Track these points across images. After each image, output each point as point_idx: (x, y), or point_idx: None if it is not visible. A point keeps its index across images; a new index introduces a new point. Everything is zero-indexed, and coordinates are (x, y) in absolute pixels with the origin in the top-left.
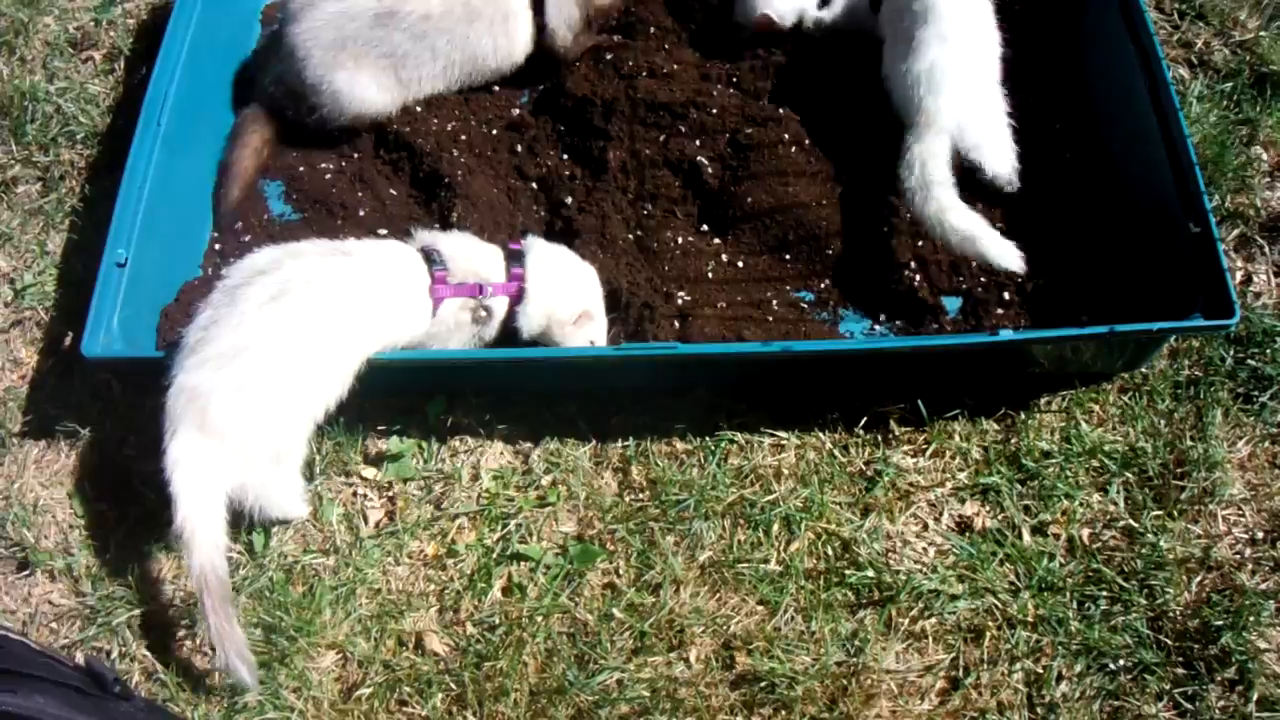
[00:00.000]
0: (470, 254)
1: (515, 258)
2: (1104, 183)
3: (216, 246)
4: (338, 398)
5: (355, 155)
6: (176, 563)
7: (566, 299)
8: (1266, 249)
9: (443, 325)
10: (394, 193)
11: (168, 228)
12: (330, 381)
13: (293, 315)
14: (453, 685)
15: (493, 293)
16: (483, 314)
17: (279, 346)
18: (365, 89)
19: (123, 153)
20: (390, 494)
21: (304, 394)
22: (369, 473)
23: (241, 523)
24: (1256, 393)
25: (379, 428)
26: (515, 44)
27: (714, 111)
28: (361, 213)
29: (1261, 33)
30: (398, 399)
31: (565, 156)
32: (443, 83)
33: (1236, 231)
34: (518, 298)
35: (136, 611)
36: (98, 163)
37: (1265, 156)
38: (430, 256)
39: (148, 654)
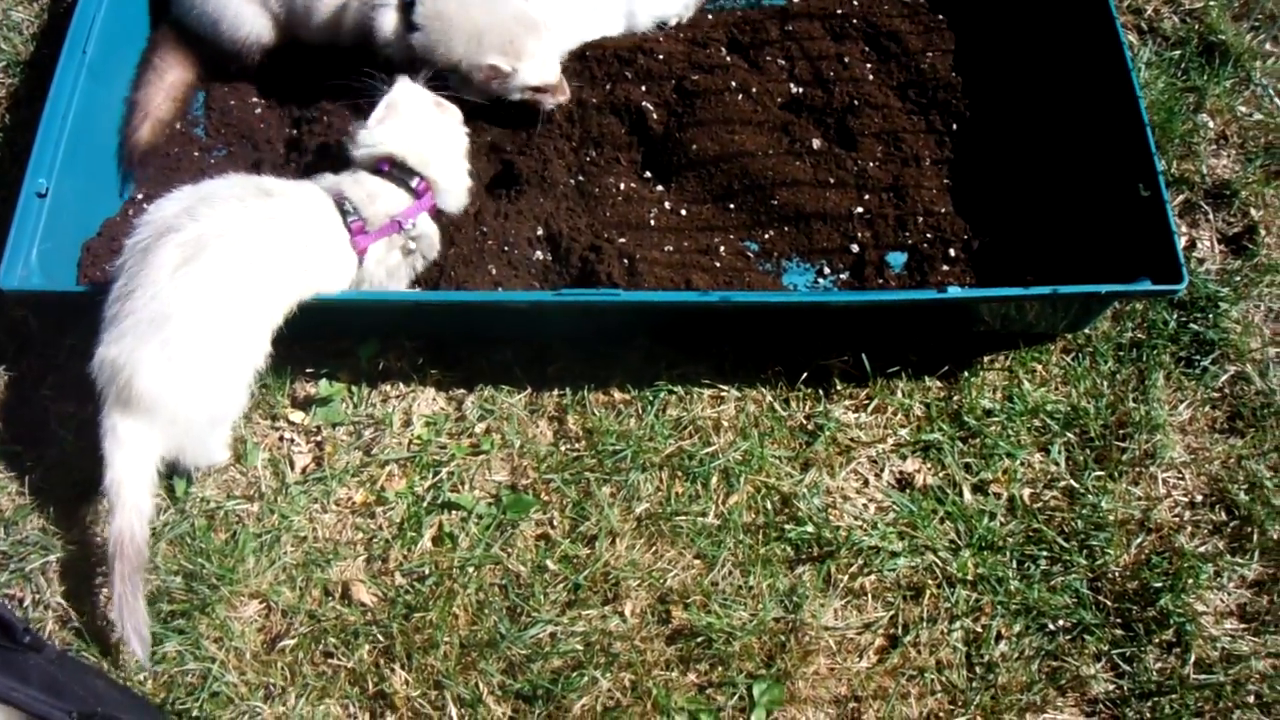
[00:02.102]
0: (374, 194)
1: (402, 170)
2: (1053, 143)
3: (137, 194)
4: (269, 352)
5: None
6: (93, 507)
7: (459, 156)
8: (1211, 215)
9: (375, 272)
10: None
11: (91, 159)
12: (263, 338)
13: (212, 276)
14: (380, 637)
15: (413, 222)
16: (411, 245)
17: (202, 312)
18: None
19: (46, 82)
20: (318, 439)
21: (236, 357)
22: (296, 416)
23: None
24: (1198, 357)
25: (307, 370)
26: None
27: (660, 58)
28: (282, 149)
29: (1210, 2)
30: (328, 341)
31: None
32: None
33: (1182, 197)
34: (430, 200)
35: (51, 557)
36: (19, 92)
37: (1212, 124)
38: (342, 206)
39: (62, 601)
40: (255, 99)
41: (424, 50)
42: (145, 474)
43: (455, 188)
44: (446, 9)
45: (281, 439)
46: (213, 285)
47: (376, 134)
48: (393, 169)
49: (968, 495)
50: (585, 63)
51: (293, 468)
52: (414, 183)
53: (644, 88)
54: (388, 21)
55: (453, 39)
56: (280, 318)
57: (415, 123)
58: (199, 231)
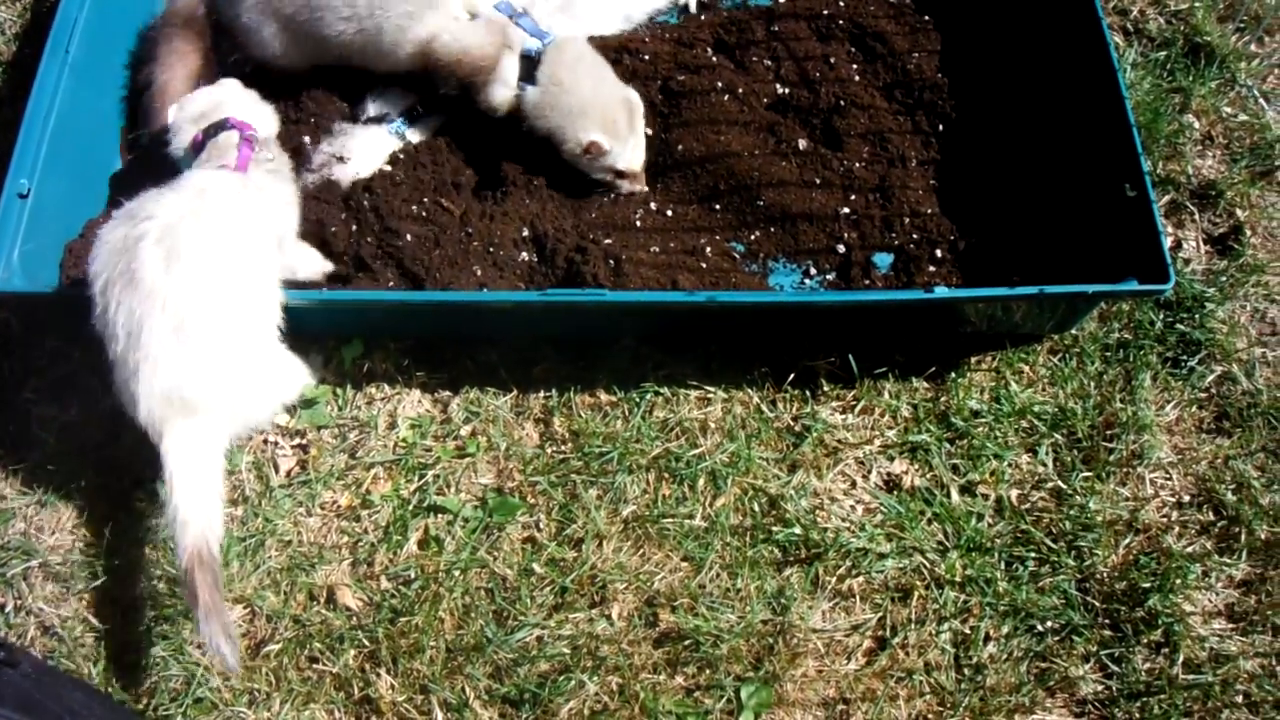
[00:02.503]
0: (225, 146)
1: (217, 127)
2: (1039, 144)
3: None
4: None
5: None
6: (75, 511)
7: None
8: (1196, 215)
9: (271, 198)
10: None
11: (74, 159)
12: (270, 295)
13: (202, 256)
14: (366, 641)
15: (259, 135)
16: (269, 156)
17: (212, 294)
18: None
19: (29, 82)
20: (303, 441)
21: (255, 322)
22: (281, 419)
23: (144, 473)
24: (1185, 357)
25: None
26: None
27: (646, 58)
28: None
29: (1195, 3)
30: (312, 343)
31: None
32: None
33: (1168, 198)
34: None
35: (34, 563)
36: (1, 92)
37: (1197, 125)
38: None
39: (45, 607)
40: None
41: (531, 107)
42: (209, 490)
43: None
44: (564, 76)
45: (266, 442)
46: (208, 261)
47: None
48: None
49: (955, 496)
50: None
51: (277, 471)
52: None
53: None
54: (509, 67)
55: (562, 106)
56: (272, 262)
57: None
58: (161, 223)
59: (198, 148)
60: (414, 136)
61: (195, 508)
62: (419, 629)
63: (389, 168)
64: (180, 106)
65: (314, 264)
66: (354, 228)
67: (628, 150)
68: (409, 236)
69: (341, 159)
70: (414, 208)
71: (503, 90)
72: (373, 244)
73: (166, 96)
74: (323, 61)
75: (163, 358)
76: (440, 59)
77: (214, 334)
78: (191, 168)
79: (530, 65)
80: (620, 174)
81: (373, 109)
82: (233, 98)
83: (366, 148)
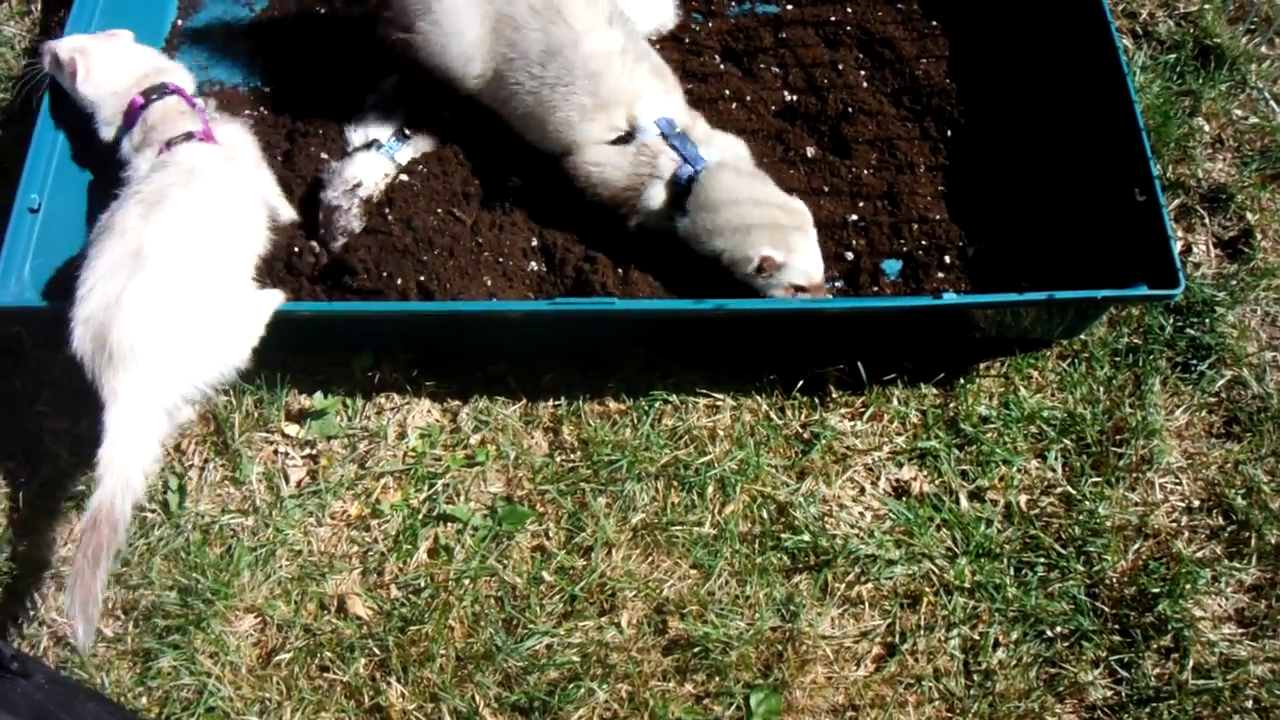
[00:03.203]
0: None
1: (157, 91)
2: (1048, 149)
3: None
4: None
5: None
6: None
7: None
8: (1207, 219)
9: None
10: None
11: (84, 173)
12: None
13: (181, 212)
14: (376, 650)
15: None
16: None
17: (176, 240)
18: (470, 47)
19: (39, 96)
20: (313, 452)
21: (219, 269)
22: (291, 430)
23: (161, 476)
24: (1195, 362)
25: (301, 383)
26: (585, 148)
27: None
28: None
29: (1205, 5)
30: (322, 354)
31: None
32: (516, 101)
33: (1177, 202)
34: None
35: (47, 574)
36: (11, 107)
37: (1207, 128)
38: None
39: (57, 618)
40: (250, 111)
41: (687, 235)
42: (143, 445)
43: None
44: (720, 198)
45: (276, 452)
46: (188, 218)
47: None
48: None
49: (964, 502)
50: None
51: (287, 481)
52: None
53: None
54: (655, 196)
55: (722, 229)
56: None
57: None
58: (153, 187)
59: (132, 117)
60: (403, 158)
61: (117, 461)
62: (429, 637)
63: (406, 178)
64: (96, 72)
65: (288, 214)
66: (374, 242)
67: (803, 260)
68: (435, 249)
69: (354, 188)
70: (431, 219)
71: (648, 218)
72: (390, 257)
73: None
74: (489, 105)
75: (107, 278)
76: (579, 182)
77: (173, 267)
78: (130, 143)
79: (681, 194)
80: (801, 288)
81: (357, 138)
82: (153, 56)
83: (364, 173)
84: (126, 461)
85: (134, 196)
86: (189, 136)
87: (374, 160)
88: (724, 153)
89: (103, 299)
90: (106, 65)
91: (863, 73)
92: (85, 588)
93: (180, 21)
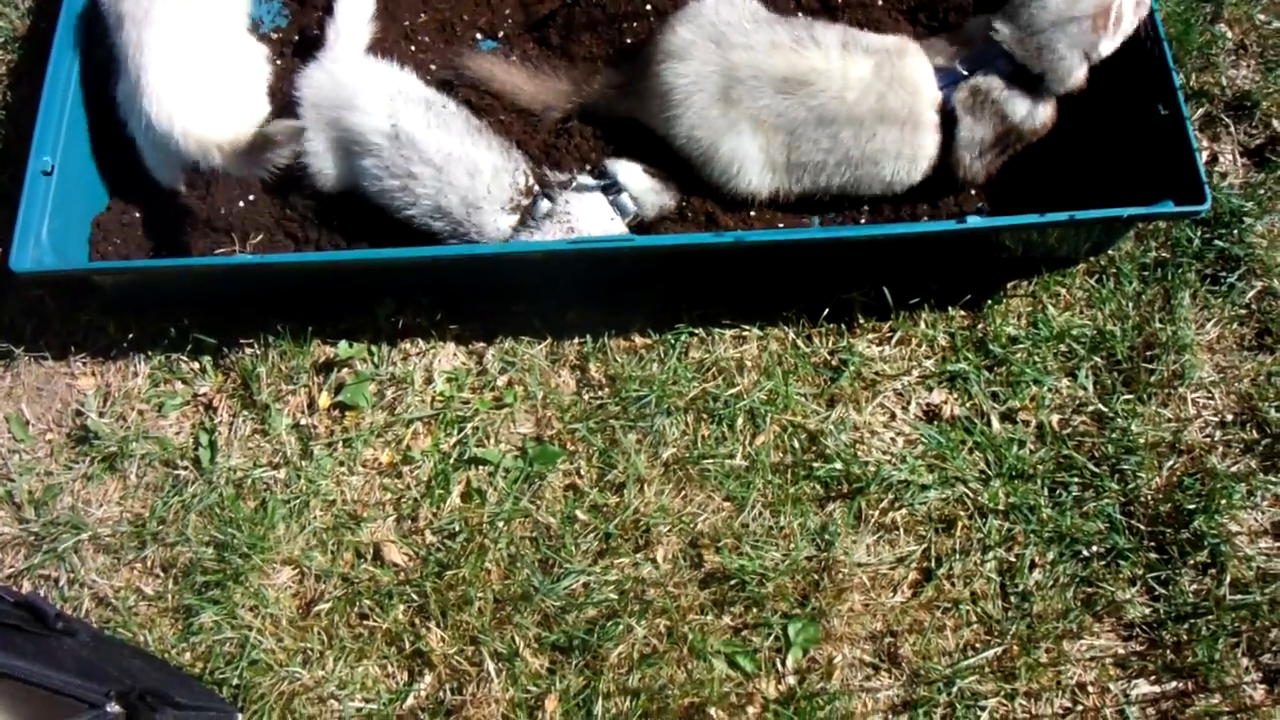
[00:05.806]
0: None
1: None
2: None
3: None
4: None
5: None
6: (122, 482)
7: None
8: (1232, 128)
9: None
10: None
11: (96, 132)
12: None
13: None
14: (414, 596)
15: None
16: None
17: None
18: (751, 163)
19: (45, 56)
20: (342, 399)
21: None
22: (318, 379)
23: (193, 433)
24: (1224, 274)
25: (325, 332)
26: (918, 162)
27: None
28: None
29: None
30: (344, 302)
31: None
32: (824, 179)
33: (1201, 111)
34: None
35: (83, 536)
36: (19, 68)
37: (1230, 34)
38: None
39: (97, 579)
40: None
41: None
42: None
43: None
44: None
45: (305, 405)
46: None
47: None
48: None
49: (996, 424)
50: None
51: (316, 433)
52: None
53: None
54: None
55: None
56: None
57: None
58: None
59: None
60: (630, 211)
61: None
62: (466, 581)
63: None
64: None
65: None
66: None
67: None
68: None
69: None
70: None
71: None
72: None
73: None
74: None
75: None
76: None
77: None
78: None
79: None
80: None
81: (589, 179)
82: None
83: (587, 217)
84: None
85: None
86: None
87: (598, 204)
88: None
89: None
90: None
91: None
92: None
93: None
